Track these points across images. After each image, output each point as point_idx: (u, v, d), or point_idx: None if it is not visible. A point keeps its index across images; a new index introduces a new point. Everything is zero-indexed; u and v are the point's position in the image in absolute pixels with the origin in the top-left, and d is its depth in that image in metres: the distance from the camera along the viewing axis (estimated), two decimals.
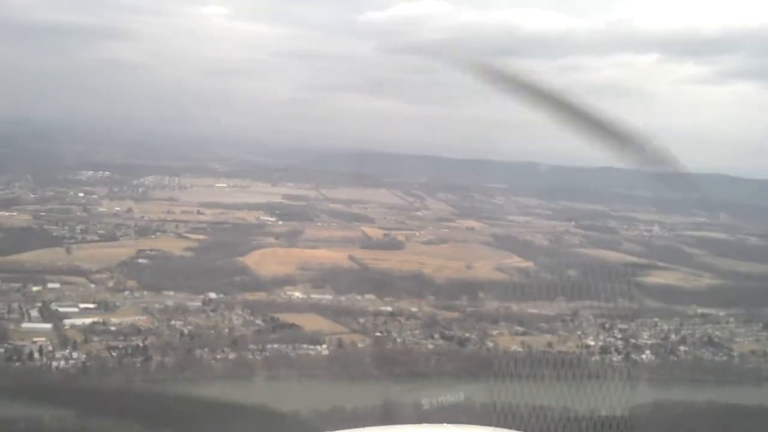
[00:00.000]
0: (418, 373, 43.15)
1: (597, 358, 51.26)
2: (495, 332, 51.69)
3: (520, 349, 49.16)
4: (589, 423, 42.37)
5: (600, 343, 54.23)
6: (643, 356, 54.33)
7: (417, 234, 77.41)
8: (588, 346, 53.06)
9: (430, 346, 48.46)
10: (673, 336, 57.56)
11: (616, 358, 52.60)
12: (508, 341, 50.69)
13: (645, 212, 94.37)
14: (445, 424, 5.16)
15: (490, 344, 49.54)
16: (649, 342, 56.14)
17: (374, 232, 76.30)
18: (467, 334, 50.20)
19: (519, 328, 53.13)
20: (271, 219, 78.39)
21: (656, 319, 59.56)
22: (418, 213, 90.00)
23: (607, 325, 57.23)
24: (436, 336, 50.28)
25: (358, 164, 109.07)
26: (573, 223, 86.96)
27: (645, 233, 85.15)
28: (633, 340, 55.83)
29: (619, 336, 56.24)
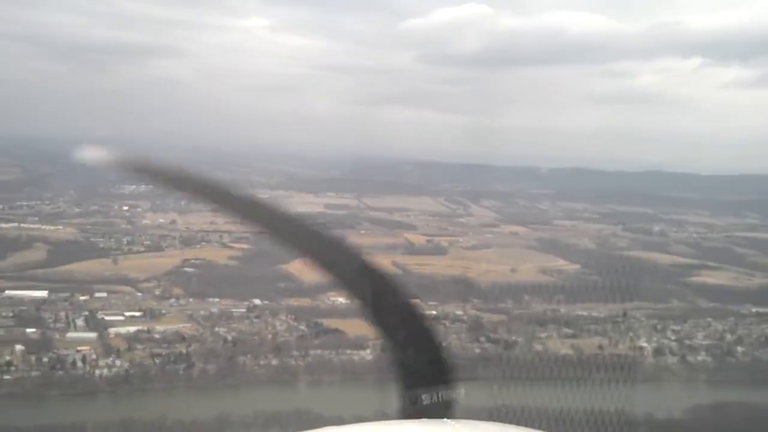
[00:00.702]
0: (464, 378, 42.05)
1: (651, 360, 49.65)
2: (543, 335, 50.38)
3: (570, 352, 47.87)
4: (647, 427, 41.01)
5: (653, 345, 52.57)
6: (699, 358, 52.45)
7: (460, 239, 76.44)
8: (641, 348, 51.44)
9: (476, 350, 47.25)
10: (728, 336, 55.50)
11: (671, 359, 50.91)
12: (556, 344, 49.38)
13: (695, 215, 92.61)
14: (445, 420, 4.83)
15: (538, 347, 48.19)
16: (705, 343, 54.25)
17: (417, 239, 75.61)
18: (514, 338, 48.85)
19: (568, 331, 51.77)
20: None
21: (710, 320, 57.67)
22: (462, 219, 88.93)
23: (659, 327, 55.63)
24: (482, 339, 49.14)
25: (400, 173, 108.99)
26: (621, 226, 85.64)
27: (695, 235, 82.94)
28: (687, 342, 53.99)
29: (673, 337, 54.55)
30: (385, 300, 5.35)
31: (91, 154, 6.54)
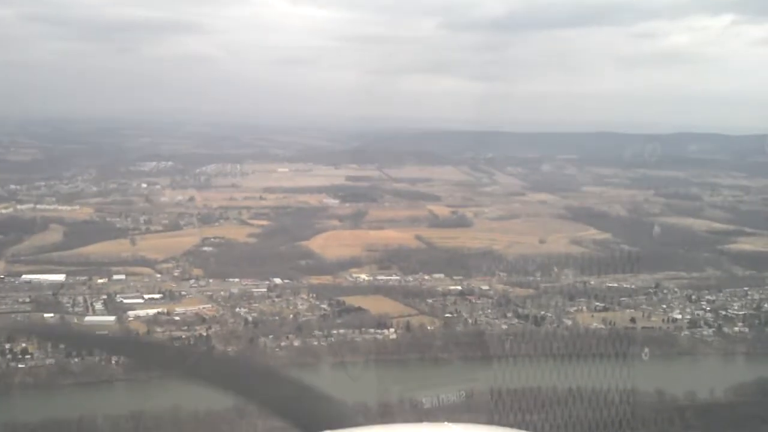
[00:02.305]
0: (492, 356, 40.39)
1: (686, 332, 47.74)
2: (573, 309, 48.58)
3: (602, 326, 46.12)
4: (689, 406, 39.30)
5: (687, 317, 50.54)
6: (736, 329, 50.32)
7: (486, 210, 74.51)
8: (675, 320, 49.51)
9: (504, 326, 45.62)
10: (766, 305, 53.29)
11: (706, 332, 48.89)
12: (587, 318, 47.63)
13: (729, 177, 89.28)
14: (445, 423, 4.89)
15: (568, 322, 46.46)
16: (741, 313, 52.01)
17: (441, 210, 73.80)
18: (543, 312, 47.10)
19: (598, 304, 49.92)
20: (334, 201, 76.66)
21: (746, 288, 55.29)
22: (487, 189, 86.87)
23: (693, 297, 53.55)
24: (510, 315, 47.45)
25: (423, 143, 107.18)
26: (652, 191, 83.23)
27: (730, 198, 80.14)
28: (723, 312, 51.80)
29: (708, 308, 52.41)
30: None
31: None
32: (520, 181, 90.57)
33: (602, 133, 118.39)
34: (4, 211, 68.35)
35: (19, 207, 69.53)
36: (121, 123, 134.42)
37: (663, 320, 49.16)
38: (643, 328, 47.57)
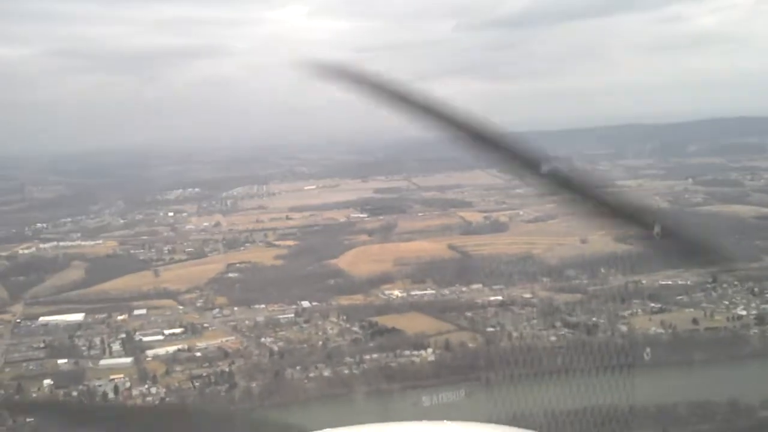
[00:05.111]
0: (543, 372, 36.45)
1: (755, 330, 43.45)
2: (627, 313, 44.57)
3: (661, 331, 42.09)
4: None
5: (754, 312, 46.13)
6: None
7: (520, 213, 71.25)
8: (740, 318, 45.18)
9: (553, 338, 41.55)
10: None
11: None
12: (644, 322, 43.68)
13: (766, 160, 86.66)
14: (445, 421, 4.64)
15: (624, 328, 42.43)
16: None
17: (473, 216, 70.87)
18: (594, 319, 43.00)
19: (654, 305, 46.01)
20: (362, 215, 74.10)
21: None
22: (519, 190, 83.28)
23: (756, 290, 49.11)
24: (558, 325, 43.43)
25: (449, 149, 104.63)
26: (690, 180, 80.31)
27: None
28: None
29: None
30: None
31: None
32: None
33: (632, 125, 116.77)
34: (26, 251, 66.94)
35: (41, 246, 68.26)
36: (147, 152, 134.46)
37: (727, 318, 44.90)
38: (706, 329, 43.43)
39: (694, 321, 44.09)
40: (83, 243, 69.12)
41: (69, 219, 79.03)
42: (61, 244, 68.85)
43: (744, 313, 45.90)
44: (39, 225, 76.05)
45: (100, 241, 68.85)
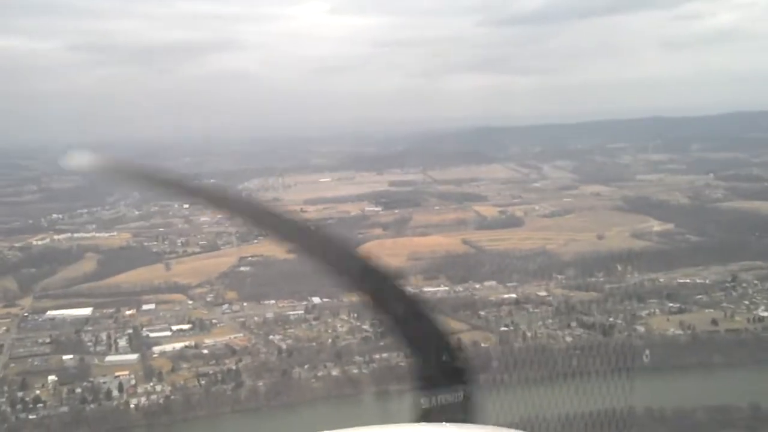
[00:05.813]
0: (557, 375, 35.28)
1: None
2: (644, 313, 43.37)
3: (680, 332, 40.86)
4: None
5: None
6: None
7: (536, 207, 70.14)
8: (762, 319, 43.86)
9: (568, 339, 40.40)
10: None
11: None
12: (662, 323, 42.48)
13: None
14: (444, 423, 4.29)
15: (641, 329, 41.24)
16: None
17: (489, 211, 69.72)
18: (611, 319, 41.80)
19: (672, 305, 44.76)
20: (376, 209, 73.17)
21: None
22: (536, 184, 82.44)
23: None
24: (574, 324, 42.30)
25: (468, 142, 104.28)
26: (711, 175, 79.35)
27: None
28: None
29: None
30: (390, 301, 4.75)
31: (77, 161, 5.76)
32: (571, 174, 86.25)
33: (653, 119, 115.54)
34: (40, 242, 66.70)
35: (56, 237, 68.02)
36: (163, 143, 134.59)
37: (748, 320, 43.57)
38: (727, 330, 42.10)
39: (714, 322, 42.85)
40: (98, 234, 68.94)
41: (85, 210, 79.07)
42: (76, 235, 68.67)
43: (766, 314, 44.57)
44: (55, 216, 76.07)
45: (115, 233, 68.59)
